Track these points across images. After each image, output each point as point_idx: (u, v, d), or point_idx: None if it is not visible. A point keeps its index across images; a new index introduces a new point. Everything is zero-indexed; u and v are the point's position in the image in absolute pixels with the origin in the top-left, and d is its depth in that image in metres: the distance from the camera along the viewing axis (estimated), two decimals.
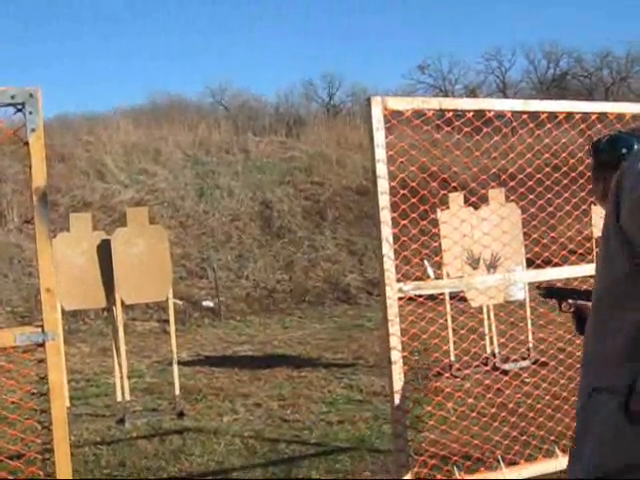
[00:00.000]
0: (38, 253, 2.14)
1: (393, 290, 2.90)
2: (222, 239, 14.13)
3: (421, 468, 3.31)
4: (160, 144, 16.73)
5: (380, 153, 2.84)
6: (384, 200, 2.86)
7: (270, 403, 6.71)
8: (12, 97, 2.07)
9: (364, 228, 15.09)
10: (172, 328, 6.73)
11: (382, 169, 2.84)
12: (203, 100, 35.71)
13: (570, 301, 2.13)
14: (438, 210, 6.91)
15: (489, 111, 3.05)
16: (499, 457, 3.46)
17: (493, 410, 4.77)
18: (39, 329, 2.15)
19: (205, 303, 12.26)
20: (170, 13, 57.86)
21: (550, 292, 2.26)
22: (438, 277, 9.67)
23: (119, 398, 6.49)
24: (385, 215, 2.88)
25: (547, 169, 3.21)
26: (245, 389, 7.31)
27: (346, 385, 7.25)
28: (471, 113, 2.96)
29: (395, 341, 2.90)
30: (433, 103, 2.99)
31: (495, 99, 3.03)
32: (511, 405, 4.88)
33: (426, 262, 11.46)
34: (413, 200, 2.84)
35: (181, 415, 6.41)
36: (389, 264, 2.91)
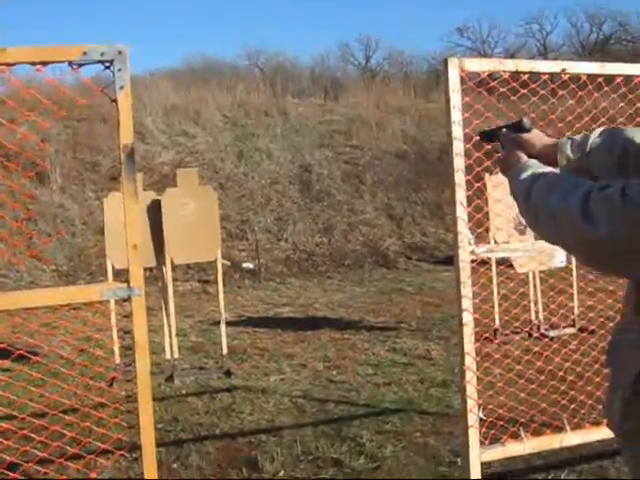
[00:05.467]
0: (125, 210, 2.17)
1: (466, 252, 2.90)
2: (262, 201, 14.17)
3: (488, 429, 3.34)
4: (199, 106, 16.74)
5: (456, 115, 2.82)
6: (459, 162, 2.85)
7: (315, 364, 6.78)
8: (101, 54, 2.10)
9: (403, 193, 15.04)
10: (220, 288, 6.79)
11: (458, 131, 2.82)
12: (239, 62, 35.70)
13: (504, 131, 1.87)
14: (487, 175, 6.83)
15: (564, 74, 3.00)
16: (564, 420, 3.48)
17: (541, 377, 4.76)
18: (125, 284, 2.19)
19: (245, 265, 12.36)
20: None
21: (485, 135, 2.04)
22: (477, 243, 9.64)
23: (168, 356, 6.60)
24: (460, 177, 2.87)
25: None
26: (289, 350, 7.38)
27: (390, 348, 7.28)
28: (546, 75, 2.94)
29: (467, 303, 2.91)
30: (509, 65, 2.96)
31: (573, 62, 2.95)
32: (560, 373, 4.87)
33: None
34: (487, 163, 2.82)
35: (228, 374, 6.50)
36: (462, 226, 2.91)
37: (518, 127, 1.84)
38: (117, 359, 6.79)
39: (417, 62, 36.48)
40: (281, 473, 4.29)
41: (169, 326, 6.68)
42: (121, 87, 2.12)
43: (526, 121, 1.85)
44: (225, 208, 13.89)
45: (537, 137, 1.84)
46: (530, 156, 1.78)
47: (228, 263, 10.94)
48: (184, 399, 5.89)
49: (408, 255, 13.31)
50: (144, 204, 6.53)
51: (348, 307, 9.65)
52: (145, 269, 8.93)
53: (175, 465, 4.48)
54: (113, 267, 6.64)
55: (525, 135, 1.83)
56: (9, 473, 2.65)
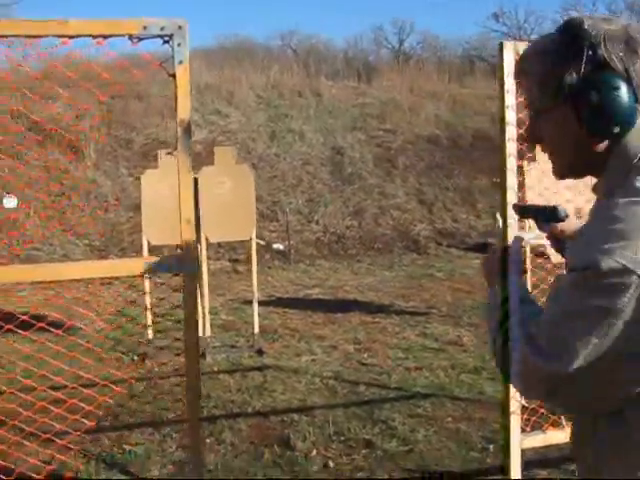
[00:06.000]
0: (180, 184, 2.19)
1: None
2: (293, 183, 14.17)
3: (529, 416, 3.34)
4: (233, 86, 16.73)
5: (510, 99, 2.80)
6: (511, 147, 2.83)
7: (346, 346, 6.80)
8: (161, 29, 2.10)
9: (435, 178, 14.95)
10: (254, 268, 6.82)
11: (511, 115, 2.80)
12: (272, 43, 35.64)
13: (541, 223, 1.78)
14: (525, 162, 6.78)
15: None
16: None
17: None
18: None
19: (275, 245, 12.39)
20: None
21: (522, 211, 1.94)
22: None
23: (200, 333, 6.65)
24: (511, 162, 2.85)
25: None
26: (320, 331, 7.41)
27: (420, 333, 7.28)
28: None
29: None
30: None
31: None
32: None
33: (498, 215, 11.35)
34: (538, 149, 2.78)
35: (260, 353, 6.55)
36: (512, 212, 2.89)
37: (552, 215, 1.76)
38: (150, 334, 6.87)
39: (451, 47, 36.17)
40: (313, 452, 4.32)
41: (202, 304, 6.73)
42: (180, 62, 2.12)
43: (561, 210, 1.75)
44: (257, 188, 13.85)
45: (569, 228, 1.72)
46: (562, 248, 1.70)
47: (263, 242, 10.99)
48: (216, 376, 5.95)
49: (439, 241, 13.25)
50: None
51: (378, 291, 9.64)
52: (175, 246, 9.01)
53: (209, 440, 4.54)
54: (149, 243, 6.70)
55: (559, 225, 1.73)
56: (57, 440, 2.70)
